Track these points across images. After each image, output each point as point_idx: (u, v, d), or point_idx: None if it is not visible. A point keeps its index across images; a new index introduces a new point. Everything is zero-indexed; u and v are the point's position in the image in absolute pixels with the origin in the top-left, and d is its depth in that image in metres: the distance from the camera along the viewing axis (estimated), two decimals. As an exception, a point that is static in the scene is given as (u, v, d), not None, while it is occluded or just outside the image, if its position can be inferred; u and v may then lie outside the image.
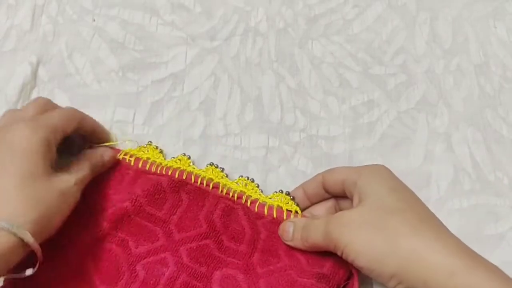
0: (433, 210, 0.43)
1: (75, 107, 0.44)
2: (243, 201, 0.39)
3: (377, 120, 0.46)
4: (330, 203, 0.40)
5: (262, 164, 0.44)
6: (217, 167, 0.41)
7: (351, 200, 0.37)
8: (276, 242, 0.38)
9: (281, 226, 0.38)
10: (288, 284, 0.35)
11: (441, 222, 0.35)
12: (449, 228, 0.42)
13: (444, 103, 0.48)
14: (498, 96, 0.48)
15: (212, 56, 0.48)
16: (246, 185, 0.40)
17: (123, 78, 0.47)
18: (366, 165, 0.39)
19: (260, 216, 0.39)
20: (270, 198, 0.40)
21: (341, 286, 0.36)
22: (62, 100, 0.45)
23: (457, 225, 0.43)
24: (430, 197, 0.43)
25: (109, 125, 0.44)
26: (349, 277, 0.37)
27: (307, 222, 0.37)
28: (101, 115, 0.44)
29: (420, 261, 0.31)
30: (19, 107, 0.44)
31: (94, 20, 0.49)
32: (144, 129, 0.45)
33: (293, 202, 0.39)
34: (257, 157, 0.44)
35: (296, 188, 0.41)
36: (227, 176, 0.41)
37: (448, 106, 0.47)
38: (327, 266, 0.36)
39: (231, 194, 0.39)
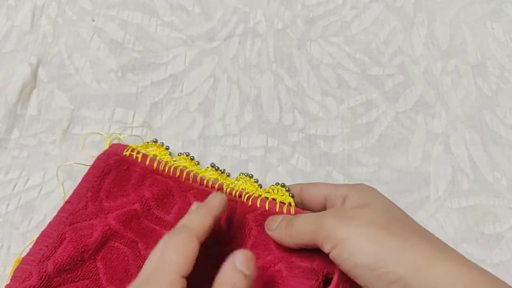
0: (432, 210, 0.43)
1: (75, 107, 0.45)
2: (243, 199, 0.38)
3: (375, 121, 0.47)
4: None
5: (261, 164, 0.44)
6: (218, 169, 0.41)
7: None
8: (268, 235, 0.37)
9: (269, 218, 0.36)
10: (277, 282, 0.34)
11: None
12: (448, 228, 0.43)
13: (441, 104, 0.48)
14: (495, 97, 0.48)
15: (211, 57, 0.48)
16: (246, 182, 0.39)
17: (123, 79, 0.47)
18: (354, 184, 0.36)
19: (252, 209, 0.37)
20: (267, 192, 0.38)
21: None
22: (62, 100, 0.45)
23: (456, 225, 0.43)
24: (429, 197, 0.44)
25: (108, 125, 0.44)
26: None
27: (295, 215, 0.35)
28: (100, 115, 0.45)
29: (436, 269, 0.28)
30: (19, 108, 0.44)
31: (93, 21, 0.49)
32: (143, 130, 0.45)
33: (288, 193, 0.38)
34: (256, 157, 0.44)
35: None
36: (229, 175, 0.41)
37: (445, 107, 0.48)
38: (317, 261, 0.34)
39: (233, 193, 0.38)
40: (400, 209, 0.34)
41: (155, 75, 0.47)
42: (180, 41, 0.49)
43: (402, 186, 0.44)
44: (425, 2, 0.53)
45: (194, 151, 0.44)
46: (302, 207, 0.38)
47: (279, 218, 0.35)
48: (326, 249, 0.31)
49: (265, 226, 0.36)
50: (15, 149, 0.43)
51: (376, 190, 0.35)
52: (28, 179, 0.42)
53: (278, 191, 0.38)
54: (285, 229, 0.34)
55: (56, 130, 0.44)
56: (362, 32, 0.51)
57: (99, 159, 0.41)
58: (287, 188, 0.38)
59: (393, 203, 0.34)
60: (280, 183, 0.39)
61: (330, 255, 0.31)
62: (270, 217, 0.36)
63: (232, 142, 0.45)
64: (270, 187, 0.39)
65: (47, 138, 0.44)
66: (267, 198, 0.38)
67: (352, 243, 0.29)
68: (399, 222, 0.31)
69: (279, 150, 0.45)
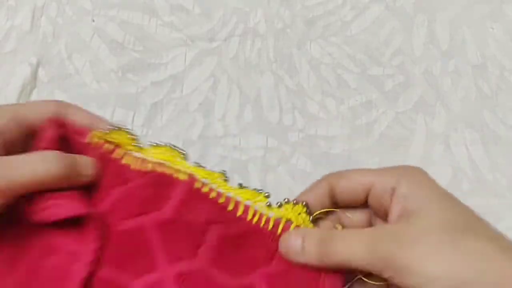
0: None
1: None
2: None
3: (375, 121, 0.47)
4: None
5: (261, 164, 0.44)
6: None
7: (378, 212, 0.31)
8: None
9: (282, 240, 0.30)
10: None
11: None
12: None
13: (441, 104, 0.48)
14: (495, 97, 0.48)
15: (211, 57, 0.48)
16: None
17: (123, 79, 0.47)
18: (399, 167, 0.31)
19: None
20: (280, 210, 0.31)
21: None
22: (62, 101, 0.45)
23: (455, 225, 0.43)
24: (428, 197, 0.44)
25: (109, 125, 0.44)
26: None
27: (326, 233, 0.29)
28: (101, 115, 0.45)
29: None
30: (18, 107, 0.44)
31: (93, 21, 0.49)
32: (143, 130, 0.45)
33: (305, 213, 0.31)
34: (256, 157, 0.44)
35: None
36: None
37: (446, 107, 0.48)
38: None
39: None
40: (460, 203, 0.29)
41: (155, 75, 0.47)
42: (180, 41, 0.49)
43: (402, 186, 0.44)
44: (425, 2, 0.53)
45: (194, 151, 0.44)
46: (335, 203, 0.32)
47: (297, 239, 0.30)
48: (384, 275, 0.27)
49: (283, 252, 0.30)
50: (15, 149, 0.43)
51: (426, 175, 0.30)
52: (28, 179, 0.42)
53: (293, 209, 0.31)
54: (317, 256, 0.29)
55: (56, 130, 0.44)
56: (362, 32, 0.51)
57: None
58: (303, 203, 0.31)
59: (443, 194, 0.29)
60: (291, 200, 0.32)
61: (389, 278, 0.27)
62: (283, 240, 0.30)
63: (232, 142, 0.45)
64: (284, 203, 0.32)
65: (47, 138, 0.44)
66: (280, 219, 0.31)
67: (421, 273, 0.25)
68: (464, 234, 0.27)
69: (279, 150, 0.45)
